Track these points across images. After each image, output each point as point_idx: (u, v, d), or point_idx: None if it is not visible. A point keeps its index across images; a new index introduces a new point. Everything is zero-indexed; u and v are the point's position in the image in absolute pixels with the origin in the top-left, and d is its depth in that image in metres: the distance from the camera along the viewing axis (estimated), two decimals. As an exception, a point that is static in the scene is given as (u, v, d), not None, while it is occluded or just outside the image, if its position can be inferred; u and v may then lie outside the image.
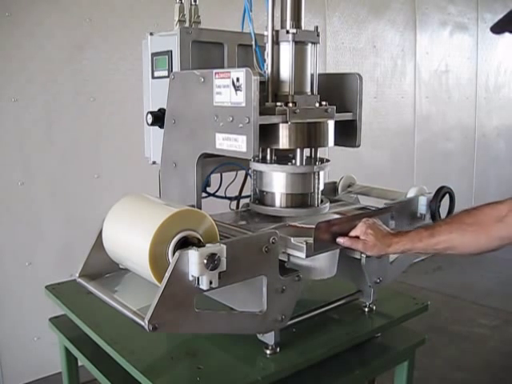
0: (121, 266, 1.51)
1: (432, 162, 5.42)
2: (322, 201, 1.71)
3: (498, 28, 1.32)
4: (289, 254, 1.44)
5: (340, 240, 1.46)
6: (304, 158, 1.64)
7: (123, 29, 3.09)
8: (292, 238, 1.42)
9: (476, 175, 6.12)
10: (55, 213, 3.03)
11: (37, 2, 2.82)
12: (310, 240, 1.39)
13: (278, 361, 1.41)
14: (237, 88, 1.39)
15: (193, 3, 1.78)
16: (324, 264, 1.50)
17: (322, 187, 1.68)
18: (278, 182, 1.64)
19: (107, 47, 3.07)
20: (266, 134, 1.51)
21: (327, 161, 1.69)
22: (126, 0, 3.12)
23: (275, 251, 1.34)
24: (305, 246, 1.38)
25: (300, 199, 1.66)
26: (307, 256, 1.39)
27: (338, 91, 1.77)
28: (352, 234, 1.48)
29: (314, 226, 1.40)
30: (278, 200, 1.66)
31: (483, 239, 1.35)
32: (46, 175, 2.97)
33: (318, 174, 1.65)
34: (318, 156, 1.70)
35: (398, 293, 1.86)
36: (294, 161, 1.64)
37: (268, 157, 1.64)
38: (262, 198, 1.70)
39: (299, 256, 1.40)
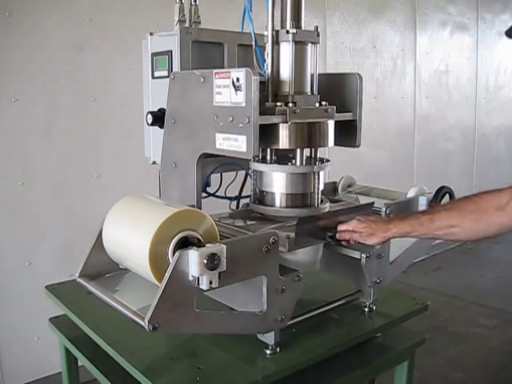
0: (121, 266, 1.51)
1: (432, 162, 5.42)
2: (321, 201, 1.71)
3: None
4: None
5: (338, 235, 1.52)
6: (304, 157, 1.64)
7: (123, 29, 3.08)
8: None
9: (476, 175, 6.12)
10: (55, 213, 3.02)
11: (37, 2, 2.82)
12: (292, 234, 1.41)
13: (277, 361, 1.41)
14: (237, 88, 1.39)
15: (193, 3, 1.78)
16: (306, 258, 1.55)
17: (322, 187, 1.68)
18: (278, 181, 1.63)
19: (107, 47, 3.07)
20: (266, 133, 1.51)
21: (327, 161, 1.69)
22: (125, 0, 3.12)
23: (275, 251, 1.34)
24: (287, 241, 1.39)
25: (300, 199, 1.66)
26: (289, 250, 1.40)
27: (338, 91, 1.77)
28: (343, 227, 1.51)
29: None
30: (278, 200, 1.66)
31: (483, 226, 1.38)
32: (46, 175, 2.97)
33: (318, 174, 1.65)
34: (318, 156, 1.70)
35: (397, 293, 1.86)
36: (294, 161, 1.64)
37: (268, 157, 1.64)
38: (261, 198, 1.70)
39: (281, 250, 1.39)
